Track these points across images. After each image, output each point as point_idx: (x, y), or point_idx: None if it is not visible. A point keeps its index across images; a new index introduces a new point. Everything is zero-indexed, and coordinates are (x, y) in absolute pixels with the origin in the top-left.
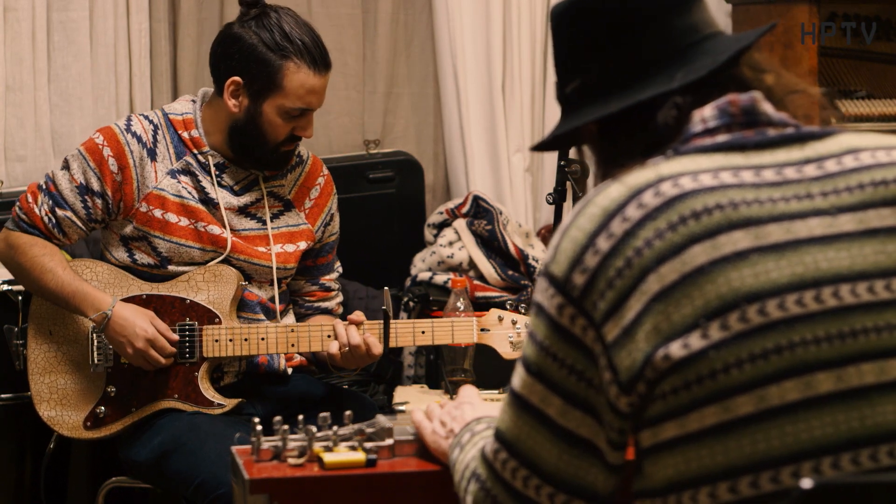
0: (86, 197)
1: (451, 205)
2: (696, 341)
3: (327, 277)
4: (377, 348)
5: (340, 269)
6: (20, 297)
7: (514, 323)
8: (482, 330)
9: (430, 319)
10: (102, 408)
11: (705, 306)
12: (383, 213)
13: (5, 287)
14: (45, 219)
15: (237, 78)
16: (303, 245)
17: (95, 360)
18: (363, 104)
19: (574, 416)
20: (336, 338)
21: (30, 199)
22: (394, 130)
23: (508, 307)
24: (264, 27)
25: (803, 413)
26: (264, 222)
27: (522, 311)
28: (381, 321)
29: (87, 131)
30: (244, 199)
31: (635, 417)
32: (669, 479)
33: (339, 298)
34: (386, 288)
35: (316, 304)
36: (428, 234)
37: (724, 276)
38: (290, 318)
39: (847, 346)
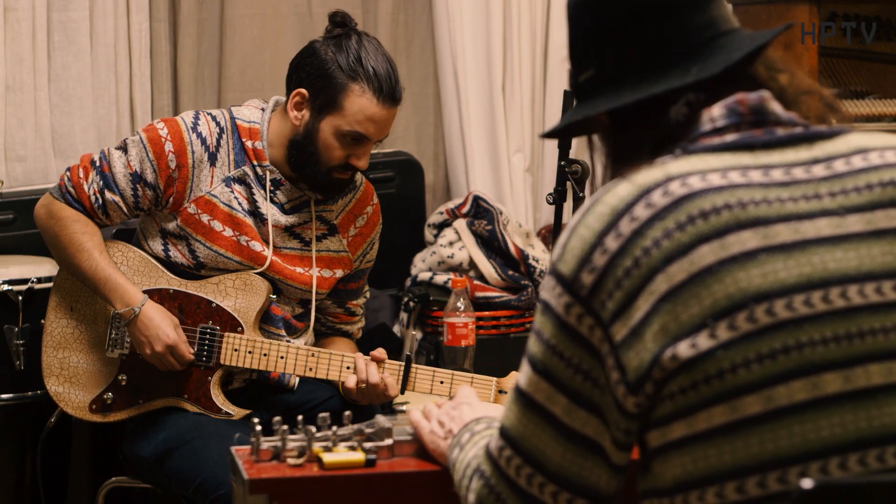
0: (137, 185)
1: (451, 205)
2: (704, 341)
3: (354, 302)
4: (394, 390)
5: (368, 294)
6: (20, 298)
7: None
8: (500, 392)
9: (450, 371)
10: (110, 394)
11: (713, 306)
12: (383, 213)
13: (5, 287)
14: (93, 198)
15: (303, 90)
16: (339, 273)
17: (111, 346)
18: None
19: (579, 415)
20: (356, 372)
21: (81, 174)
22: (394, 130)
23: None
24: (342, 47)
25: (811, 413)
26: (307, 243)
27: None
28: (402, 363)
29: (87, 131)
30: (292, 219)
31: (643, 418)
32: (677, 478)
33: (361, 324)
34: (414, 333)
35: (337, 326)
36: (428, 234)
37: (731, 276)
38: (309, 333)
39: (855, 347)
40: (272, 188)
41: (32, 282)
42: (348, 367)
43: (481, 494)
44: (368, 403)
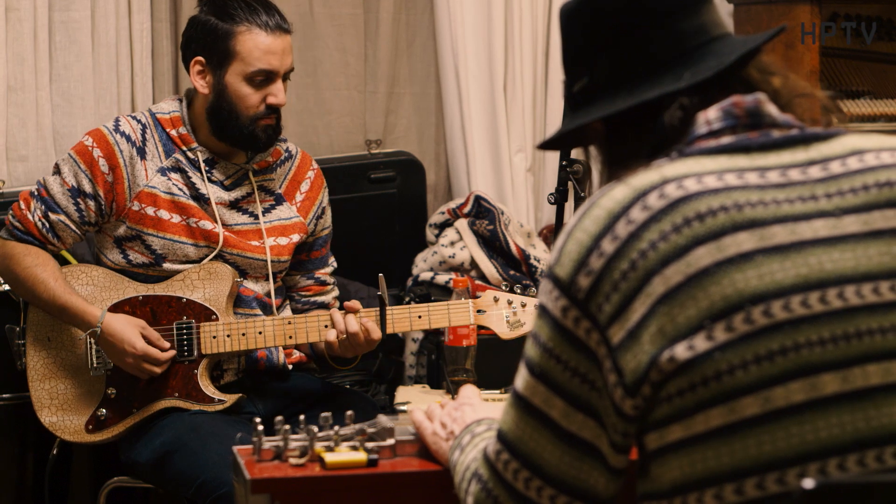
0: (78, 199)
1: (452, 205)
2: (701, 343)
3: (322, 271)
4: (376, 333)
5: (335, 264)
6: (22, 298)
7: (509, 303)
8: (478, 311)
9: (426, 304)
10: (104, 410)
11: (710, 308)
12: (385, 213)
13: (6, 287)
14: (39, 224)
15: (199, 57)
16: (296, 238)
17: (94, 364)
18: (365, 104)
19: (576, 418)
20: (334, 326)
21: (22, 206)
22: (395, 130)
23: (503, 288)
24: (215, 3)
25: (809, 414)
26: (256, 216)
27: (517, 291)
28: (378, 308)
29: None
30: (235, 194)
31: (640, 420)
32: (675, 480)
33: (335, 293)
34: (381, 274)
35: (312, 299)
36: (429, 234)
37: (728, 278)
38: (286, 313)
39: (852, 348)
40: (207, 168)
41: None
42: (326, 326)
43: (479, 498)
44: (354, 355)
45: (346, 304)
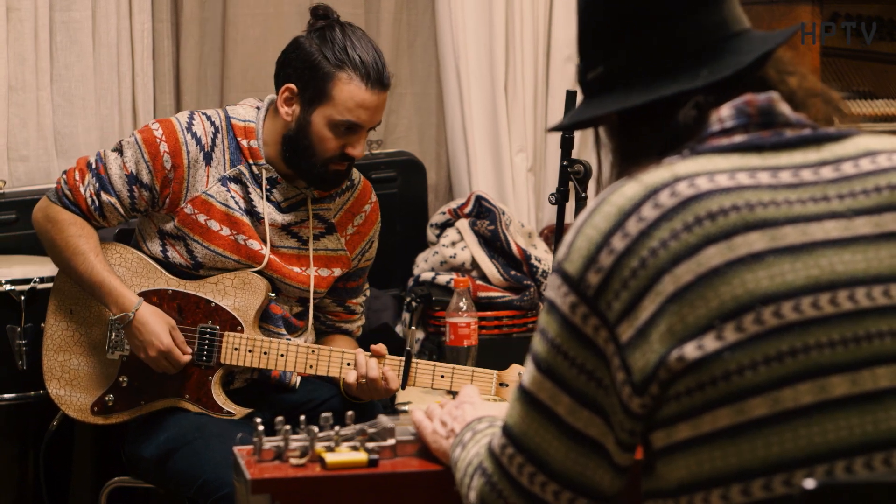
0: (133, 187)
1: (453, 205)
2: (710, 343)
3: (354, 301)
4: (395, 384)
5: (368, 293)
6: (23, 297)
7: None
8: (501, 384)
9: (451, 365)
10: (112, 396)
11: (720, 308)
12: (385, 213)
13: (8, 287)
14: (89, 200)
15: (292, 85)
16: (337, 272)
17: (112, 348)
18: None
19: (582, 415)
20: (356, 367)
21: (77, 177)
22: (396, 130)
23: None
24: (326, 39)
25: (817, 416)
26: (305, 242)
27: None
28: (403, 358)
29: (89, 131)
30: (289, 217)
31: (648, 418)
32: (681, 480)
33: (361, 321)
34: (413, 328)
35: (337, 325)
36: (430, 234)
37: (739, 278)
38: (310, 334)
39: (862, 350)
40: (268, 187)
41: (35, 282)
42: (348, 364)
43: (483, 492)
44: (370, 399)
45: (374, 347)
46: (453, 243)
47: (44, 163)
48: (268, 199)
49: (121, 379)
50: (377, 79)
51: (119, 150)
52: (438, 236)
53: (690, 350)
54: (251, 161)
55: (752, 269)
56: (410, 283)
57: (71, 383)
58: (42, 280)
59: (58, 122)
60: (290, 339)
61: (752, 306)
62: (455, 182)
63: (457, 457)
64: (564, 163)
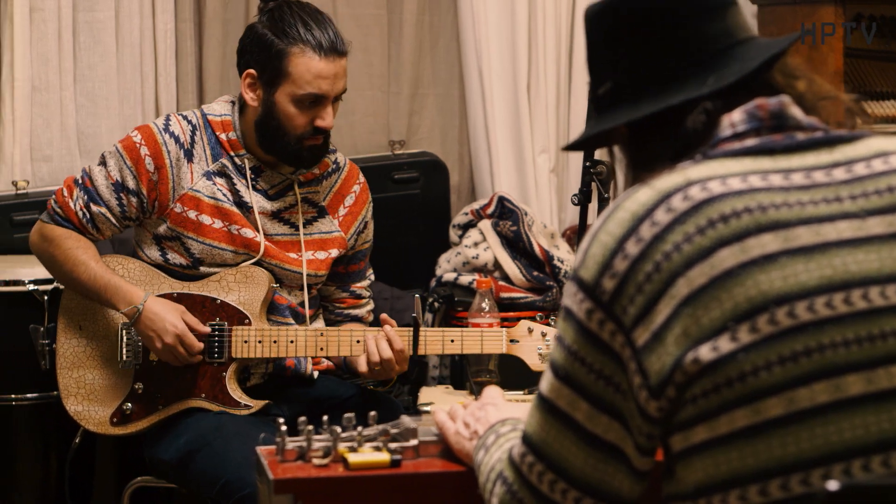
0: (121, 194)
1: (476, 205)
2: (725, 344)
3: (358, 285)
4: (407, 361)
5: (373, 277)
6: (46, 297)
7: (543, 335)
8: (511, 341)
9: (459, 328)
10: (129, 404)
11: (734, 309)
12: (408, 213)
13: (31, 287)
14: (80, 213)
15: (251, 70)
16: (334, 253)
17: (124, 357)
18: (388, 105)
19: (601, 421)
20: (368, 354)
21: (65, 193)
22: (419, 131)
23: (538, 319)
24: (274, 18)
25: (833, 415)
26: (297, 228)
27: (552, 323)
28: (411, 328)
29: (112, 131)
30: (278, 204)
31: (665, 422)
32: (699, 482)
33: (370, 306)
34: (417, 295)
35: (346, 311)
36: (453, 234)
37: (752, 279)
38: (319, 324)
39: (877, 349)
40: (253, 176)
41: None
42: (358, 341)
43: (504, 500)
44: (385, 378)
45: (382, 316)
46: (476, 244)
47: (67, 163)
48: (254, 189)
49: (136, 386)
50: (330, 47)
51: (103, 162)
52: (461, 237)
53: (705, 352)
54: (232, 153)
55: (766, 270)
56: (433, 283)
57: (88, 398)
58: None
59: (81, 122)
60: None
61: (766, 307)
62: (477, 183)
63: (480, 460)
64: (587, 163)
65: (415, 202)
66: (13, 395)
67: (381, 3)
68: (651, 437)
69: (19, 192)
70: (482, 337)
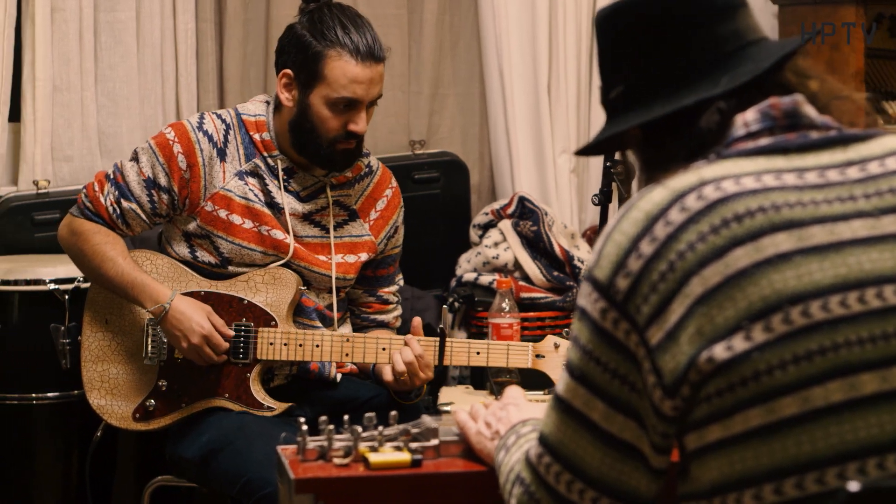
0: (152, 191)
1: (496, 205)
2: (739, 343)
3: (386, 290)
4: (431, 366)
5: (401, 282)
6: (67, 297)
7: None
8: (537, 356)
9: (485, 341)
10: (152, 401)
11: (748, 308)
12: (428, 213)
13: (52, 286)
14: (110, 209)
15: (288, 70)
16: (364, 256)
17: (149, 353)
18: (409, 105)
19: (617, 420)
20: (393, 363)
21: (96, 188)
22: (439, 131)
23: (565, 335)
24: (314, 20)
25: (848, 414)
26: (327, 230)
27: None
28: (437, 339)
29: (133, 131)
30: (309, 206)
31: (680, 421)
32: (714, 481)
33: (398, 312)
34: (445, 307)
35: (372, 317)
36: (473, 234)
37: (766, 278)
38: (346, 328)
39: (891, 347)
40: (285, 177)
41: (79, 281)
42: (383, 349)
43: (522, 501)
44: (413, 386)
45: (413, 323)
46: (496, 244)
47: (88, 163)
48: (286, 190)
49: (160, 383)
50: (367, 52)
51: (135, 157)
52: (481, 237)
53: (720, 351)
54: (265, 153)
55: (780, 269)
56: (453, 283)
57: (111, 392)
58: (86, 279)
59: (102, 122)
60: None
61: (780, 306)
62: (498, 183)
63: (500, 461)
64: (607, 163)
65: (435, 202)
66: (34, 395)
67: (402, 3)
68: (666, 436)
69: (40, 191)
70: (508, 351)
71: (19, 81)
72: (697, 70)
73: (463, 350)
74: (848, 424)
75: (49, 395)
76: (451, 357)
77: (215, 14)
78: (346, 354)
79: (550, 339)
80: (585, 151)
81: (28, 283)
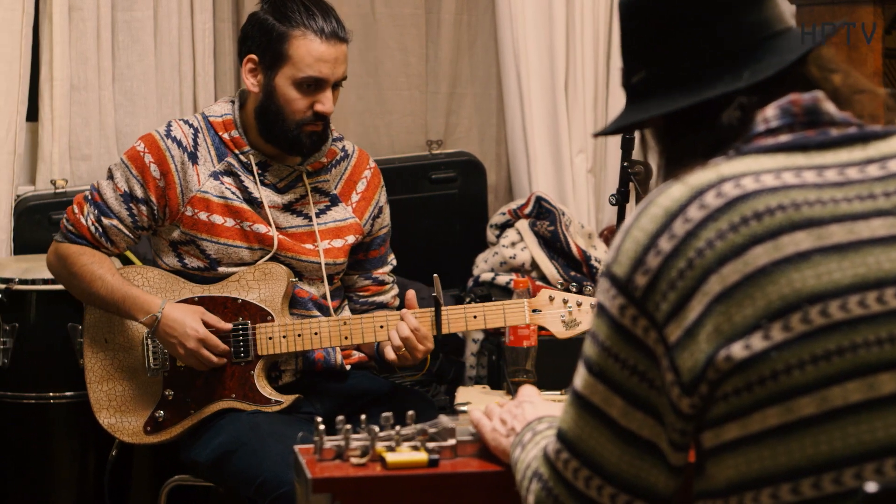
0: (130, 204)
1: (513, 205)
2: (757, 342)
3: (380, 271)
4: (430, 336)
5: (394, 262)
6: None
7: (564, 302)
8: (534, 311)
9: (481, 305)
10: (161, 412)
11: (767, 307)
12: (445, 213)
13: None
14: (92, 228)
15: (252, 55)
16: (351, 239)
17: (152, 365)
18: (426, 104)
19: (636, 416)
20: (390, 339)
21: (76, 210)
22: (456, 131)
23: (559, 287)
24: (277, 5)
25: (866, 414)
26: (310, 218)
27: (573, 290)
28: (432, 308)
29: (150, 130)
30: (288, 197)
31: (697, 419)
32: (731, 480)
33: (394, 291)
34: (436, 275)
35: (371, 299)
36: (490, 234)
37: (785, 277)
38: (345, 314)
39: None
40: (260, 171)
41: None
42: (381, 326)
43: (540, 497)
44: (415, 360)
45: (406, 297)
46: (513, 244)
47: (105, 162)
48: (263, 184)
49: (167, 393)
50: (331, 32)
51: (110, 175)
52: (498, 237)
53: (738, 350)
54: (236, 151)
55: (799, 268)
56: (470, 283)
57: (120, 409)
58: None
59: (119, 121)
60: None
61: (799, 305)
62: (515, 182)
63: (516, 458)
64: (625, 163)
65: (452, 202)
66: (51, 394)
67: (420, 3)
68: (684, 434)
69: (58, 191)
70: (504, 310)
71: (37, 81)
72: (721, 60)
73: (459, 316)
74: (866, 425)
75: (66, 394)
76: (448, 325)
77: (233, 13)
78: (346, 338)
79: (545, 293)
80: (605, 133)
81: (45, 282)
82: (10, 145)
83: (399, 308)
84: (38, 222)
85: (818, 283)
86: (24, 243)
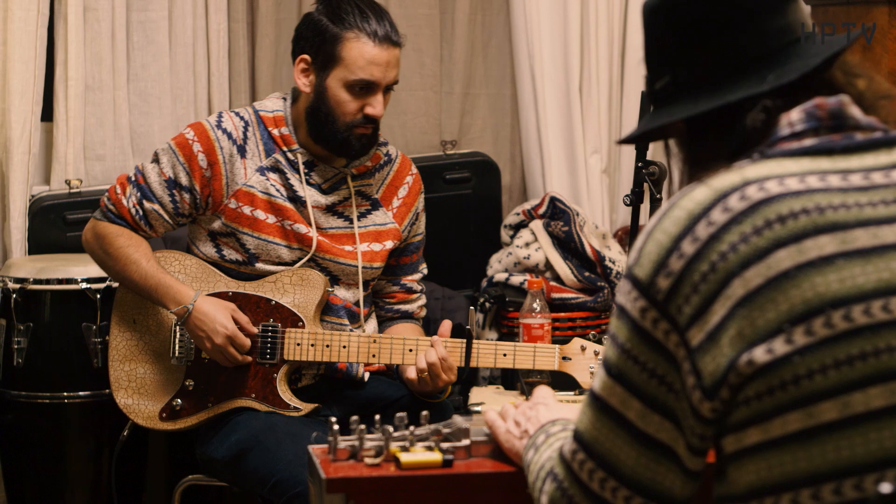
0: (174, 191)
1: (527, 206)
2: (780, 346)
3: (410, 278)
4: (454, 368)
5: (425, 271)
6: (98, 296)
7: (595, 354)
8: (563, 358)
9: (512, 343)
10: (179, 401)
11: (790, 311)
12: (460, 213)
13: (84, 285)
14: (133, 210)
15: (305, 55)
16: (389, 244)
17: (176, 353)
18: (440, 105)
19: (653, 420)
20: (416, 362)
21: (118, 191)
22: (471, 131)
23: (591, 337)
24: (332, 5)
25: (888, 420)
26: (351, 221)
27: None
28: (464, 340)
29: (165, 131)
30: (332, 198)
31: (718, 423)
32: (751, 485)
33: (422, 301)
34: (472, 308)
35: (396, 307)
36: (504, 234)
37: (809, 281)
38: (372, 322)
39: None
40: (306, 170)
41: (110, 280)
42: (410, 350)
43: (554, 497)
44: (434, 389)
45: (442, 325)
46: (527, 244)
47: (120, 162)
48: (308, 183)
49: (187, 383)
50: (385, 35)
51: (156, 159)
52: (512, 237)
53: (760, 354)
54: (285, 148)
55: (823, 272)
56: (484, 283)
57: (138, 391)
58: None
59: (134, 121)
60: (352, 330)
61: (822, 310)
62: (529, 183)
63: (529, 459)
64: (639, 164)
65: (466, 202)
66: (65, 393)
67: (434, 3)
68: (703, 438)
69: (72, 191)
70: (535, 353)
71: (52, 81)
72: (745, 65)
73: (489, 352)
74: (888, 431)
75: (80, 393)
76: (477, 359)
77: (247, 14)
78: (373, 356)
79: (577, 342)
80: (628, 140)
81: (60, 282)
82: (24, 145)
83: (427, 326)
84: (52, 222)
85: (842, 288)
86: (38, 243)
